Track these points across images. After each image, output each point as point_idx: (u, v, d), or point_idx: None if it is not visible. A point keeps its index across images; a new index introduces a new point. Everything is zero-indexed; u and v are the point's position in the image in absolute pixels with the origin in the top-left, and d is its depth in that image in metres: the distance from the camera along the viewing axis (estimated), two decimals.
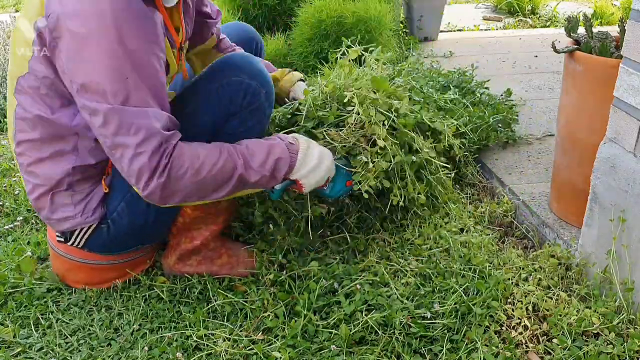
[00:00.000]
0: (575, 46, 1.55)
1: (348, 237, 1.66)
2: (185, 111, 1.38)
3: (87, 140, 1.33)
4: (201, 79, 1.42)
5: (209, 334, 1.34)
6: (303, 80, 1.85)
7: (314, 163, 1.40)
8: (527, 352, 1.27)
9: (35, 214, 1.95)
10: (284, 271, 1.53)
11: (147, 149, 1.19)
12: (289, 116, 1.64)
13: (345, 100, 1.56)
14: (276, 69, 1.85)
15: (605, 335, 1.27)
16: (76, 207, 1.38)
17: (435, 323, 1.31)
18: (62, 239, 1.44)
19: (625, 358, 1.22)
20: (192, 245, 1.53)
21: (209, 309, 1.43)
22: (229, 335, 1.32)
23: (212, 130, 1.39)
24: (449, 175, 1.82)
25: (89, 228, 1.41)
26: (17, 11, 5.98)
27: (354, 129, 1.55)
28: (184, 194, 1.27)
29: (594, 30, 1.56)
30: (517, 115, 2.48)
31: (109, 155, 1.25)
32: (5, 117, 2.99)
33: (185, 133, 1.35)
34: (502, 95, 2.74)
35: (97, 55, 1.15)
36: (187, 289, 1.52)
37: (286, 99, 1.82)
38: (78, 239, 1.43)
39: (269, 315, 1.38)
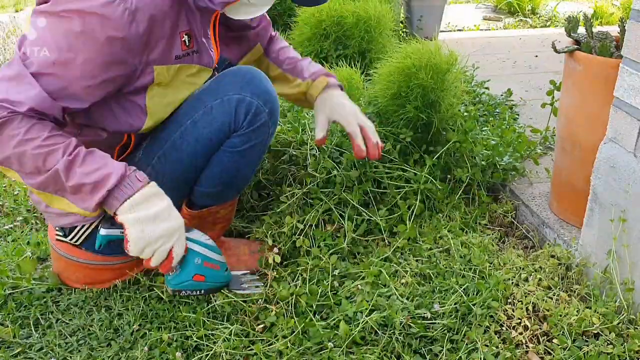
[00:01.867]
0: (575, 46, 1.55)
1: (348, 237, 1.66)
2: (187, 123, 1.38)
3: (93, 131, 1.32)
4: (205, 90, 1.39)
5: (209, 334, 1.34)
6: (340, 88, 1.65)
7: (149, 213, 1.19)
8: (527, 352, 1.27)
9: (35, 214, 1.95)
10: (286, 267, 1.53)
11: (6, 105, 1.15)
12: None
13: None
14: (299, 58, 1.68)
15: (606, 336, 1.27)
16: None
17: (435, 323, 1.31)
18: (62, 234, 1.44)
19: (626, 358, 1.22)
20: None
21: (209, 309, 1.43)
22: (229, 335, 1.32)
23: (213, 145, 1.39)
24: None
25: (89, 226, 1.41)
26: (17, 11, 5.97)
27: None
28: (2, 155, 1.19)
29: (594, 30, 1.56)
30: (517, 115, 2.48)
31: None
32: None
33: (188, 145, 1.37)
34: (502, 95, 2.75)
35: (48, 34, 1.17)
36: None
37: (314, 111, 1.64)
38: (77, 236, 1.42)
39: (269, 313, 1.38)
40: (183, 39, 1.31)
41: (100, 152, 1.23)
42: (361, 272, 1.49)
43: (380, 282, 1.46)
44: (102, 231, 1.24)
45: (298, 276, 1.50)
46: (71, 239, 1.43)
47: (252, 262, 1.57)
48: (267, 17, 1.67)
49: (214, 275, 1.35)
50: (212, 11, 1.34)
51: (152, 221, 1.20)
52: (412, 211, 1.68)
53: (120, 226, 1.19)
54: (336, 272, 1.49)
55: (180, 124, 1.39)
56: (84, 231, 1.42)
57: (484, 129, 2.09)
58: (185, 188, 1.46)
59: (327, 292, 1.44)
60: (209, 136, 1.38)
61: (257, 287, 1.47)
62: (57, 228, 1.45)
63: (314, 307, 1.39)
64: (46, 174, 1.18)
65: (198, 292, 1.35)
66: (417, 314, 1.33)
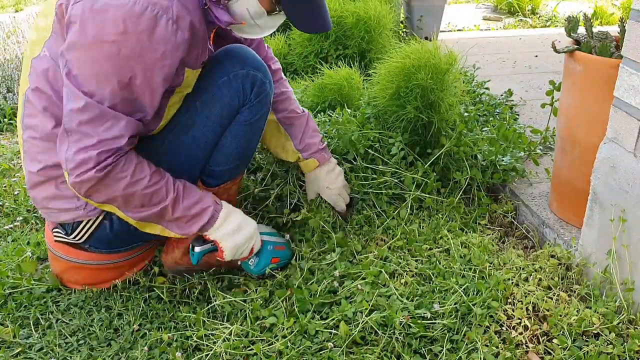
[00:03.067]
0: (575, 46, 1.55)
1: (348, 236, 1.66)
2: (195, 104, 1.41)
3: None
4: (206, 72, 1.42)
5: (209, 334, 1.34)
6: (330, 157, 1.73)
7: (232, 226, 1.42)
8: (527, 352, 1.27)
9: (35, 214, 1.95)
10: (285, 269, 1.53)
11: (106, 146, 1.22)
12: None
13: None
14: (297, 108, 1.71)
15: (606, 336, 1.27)
16: (79, 200, 1.38)
17: (435, 323, 1.31)
18: (62, 233, 1.44)
19: (626, 358, 1.22)
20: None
21: (208, 309, 1.43)
22: (229, 335, 1.32)
23: (224, 121, 1.44)
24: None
25: (93, 223, 1.41)
26: (17, 11, 5.97)
27: None
28: (108, 197, 1.28)
29: (594, 30, 1.56)
30: (517, 115, 2.48)
31: (62, 134, 1.24)
32: (5, 118, 2.99)
33: (199, 125, 1.41)
34: (502, 95, 2.75)
35: (104, 59, 1.19)
36: (187, 289, 1.53)
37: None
38: (81, 234, 1.42)
39: (268, 314, 1.38)
40: (210, 47, 1.40)
41: (189, 184, 1.39)
42: (361, 272, 1.49)
43: (380, 282, 1.46)
44: (197, 249, 1.44)
45: (298, 276, 1.50)
46: (74, 237, 1.43)
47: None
48: (268, 48, 1.72)
49: (284, 254, 1.59)
50: (215, 25, 1.38)
51: (237, 232, 1.43)
52: (407, 212, 1.69)
53: (209, 242, 1.43)
54: (336, 272, 1.49)
55: (187, 106, 1.41)
56: (88, 228, 1.42)
57: (484, 129, 2.08)
58: (198, 166, 1.48)
59: (327, 291, 1.44)
60: (220, 113, 1.43)
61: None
62: (56, 229, 1.45)
63: (313, 305, 1.39)
64: (152, 209, 1.32)
65: (277, 269, 1.56)
66: (417, 314, 1.33)
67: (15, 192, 2.08)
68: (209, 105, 1.42)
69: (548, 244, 1.64)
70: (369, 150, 1.78)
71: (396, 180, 1.74)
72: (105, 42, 1.18)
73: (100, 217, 1.41)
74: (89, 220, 1.41)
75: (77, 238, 1.44)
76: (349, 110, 1.93)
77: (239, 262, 1.56)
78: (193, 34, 1.26)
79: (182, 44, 1.24)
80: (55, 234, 1.47)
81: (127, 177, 1.26)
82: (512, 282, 1.43)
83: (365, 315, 1.32)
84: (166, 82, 1.28)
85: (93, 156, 1.21)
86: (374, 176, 1.75)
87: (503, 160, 1.90)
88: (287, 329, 1.32)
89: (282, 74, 1.73)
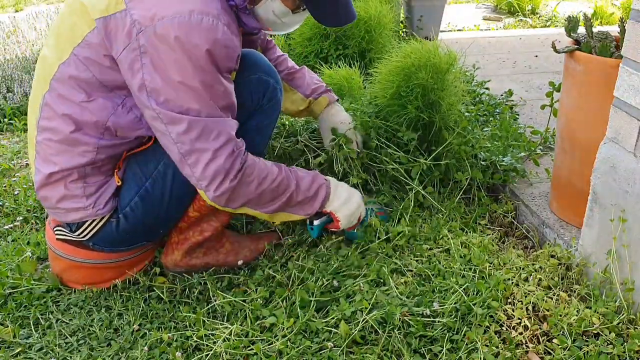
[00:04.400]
0: (575, 46, 1.55)
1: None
2: None
3: (110, 134, 1.36)
4: None
5: (209, 334, 1.34)
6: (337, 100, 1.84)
7: (344, 196, 1.52)
8: (527, 352, 1.27)
9: (35, 214, 1.95)
10: (285, 263, 1.53)
11: (224, 152, 1.30)
12: None
13: None
14: (294, 66, 1.81)
15: (606, 336, 1.27)
16: (88, 199, 1.39)
17: (435, 323, 1.31)
18: (66, 230, 1.44)
19: (626, 358, 1.22)
20: (202, 238, 1.55)
21: (208, 309, 1.43)
22: (229, 335, 1.32)
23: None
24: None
25: (99, 221, 1.42)
26: (17, 11, 5.97)
27: None
28: (245, 200, 1.37)
29: (594, 30, 1.56)
30: (517, 115, 2.48)
31: (180, 161, 1.31)
32: (5, 118, 2.99)
33: None
34: (502, 95, 2.75)
35: (183, 76, 1.24)
36: (187, 289, 1.52)
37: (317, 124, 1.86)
38: (87, 231, 1.43)
39: (268, 314, 1.38)
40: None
41: (294, 168, 1.49)
42: (361, 271, 1.49)
43: (381, 280, 1.46)
44: (316, 222, 1.54)
45: (298, 274, 1.51)
46: (78, 235, 1.43)
47: (257, 247, 1.62)
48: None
49: (384, 218, 1.69)
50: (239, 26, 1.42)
51: (349, 201, 1.53)
52: (409, 211, 1.69)
53: (324, 215, 1.54)
54: (335, 266, 1.50)
55: None
56: (94, 226, 1.42)
57: (484, 129, 2.08)
58: None
59: (327, 290, 1.44)
60: (237, 114, 1.44)
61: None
62: (58, 226, 1.46)
63: (312, 304, 1.39)
64: (281, 200, 1.42)
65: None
66: (416, 312, 1.33)
67: (15, 192, 2.08)
68: None
69: (548, 244, 1.64)
70: (378, 141, 1.79)
71: (402, 170, 1.74)
72: (179, 62, 1.23)
73: (107, 216, 1.42)
74: (92, 220, 1.42)
75: (81, 235, 1.44)
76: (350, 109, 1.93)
77: (240, 262, 1.57)
78: (240, 37, 1.32)
79: (238, 46, 1.31)
80: (57, 231, 1.47)
81: (256, 179, 1.36)
82: (512, 282, 1.43)
83: (365, 314, 1.32)
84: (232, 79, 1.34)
85: (220, 166, 1.30)
86: (380, 166, 1.77)
87: (503, 160, 1.90)
88: (287, 328, 1.32)
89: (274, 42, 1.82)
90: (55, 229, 1.48)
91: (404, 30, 3.86)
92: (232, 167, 1.31)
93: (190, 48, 1.22)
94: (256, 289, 1.48)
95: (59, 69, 1.33)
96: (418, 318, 1.31)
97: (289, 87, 1.77)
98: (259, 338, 1.31)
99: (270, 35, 1.80)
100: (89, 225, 1.42)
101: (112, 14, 1.25)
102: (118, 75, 1.30)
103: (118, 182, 1.41)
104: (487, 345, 1.26)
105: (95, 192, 1.40)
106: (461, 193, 1.79)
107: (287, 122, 1.93)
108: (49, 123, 1.35)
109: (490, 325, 1.31)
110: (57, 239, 1.48)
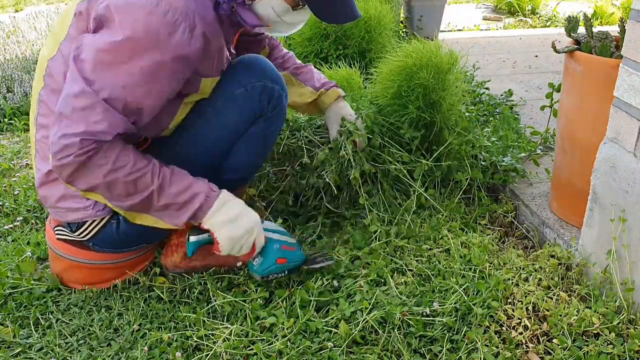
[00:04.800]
0: (575, 46, 1.55)
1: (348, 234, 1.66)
2: (211, 111, 1.42)
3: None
4: (224, 80, 1.43)
5: (209, 334, 1.34)
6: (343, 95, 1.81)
7: (230, 215, 1.33)
8: (527, 352, 1.27)
9: (35, 214, 1.95)
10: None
11: (89, 137, 1.19)
12: None
13: None
14: (300, 63, 1.80)
15: (606, 336, 1.27)
16: (88, 200, 1.39)
17: (435, 322, 1.31)
18: (68, 230, 1.44)
19: (626, 358, 1.22)
20: None
21: (208, 309, 1.43)
22: (229, 335, 1.32)
23: (239, 131, 1.46)
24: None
25: (99, 222, 1.42)
26: (17, 11, 5.97)
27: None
28: (90, 185, 1.25)
29: (594, 30, 1.56)
30: (518, 115, 2.48)
31: (56, 116, 1.22)
32: (5, 118, 2.99)
33: (213, 133, 1.42)
34: (502, 95, 2.75)
35: (114, 50, 1.19)
36: (187, 289, 1.52)
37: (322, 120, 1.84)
38: (86, 232, 1.43)
39: (268, 314, 1.38)
40: (228, 55, 1.41)
41: (178, 169, 1.33)
42: (360, 271, 1.49)
43: (381, 280, 1.46)
44: (192, 238, 1.35)
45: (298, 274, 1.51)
46: (79, 235, 1.43)
47: (250, 257, 1.59)
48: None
49: (292, 255, 1.45)
50: (241, 27, 1.40)
51: (234, 222, 1.34)
52: (413, 207, 1.69)
53: (206, 231, 1.34)
54: (337, 269, 1.50)
55: (201, 113, 1.42)
56: (94, 227, 1.42)
57: (484, 129, 2.09)
58: (209, 173, 1.47)
59: (327, 290, 1.44)
60: (236, 122, 1.45)
61: (328, 259, 1.52)
62: (59, 226, 1.46)
63: (312, 303, 1.39)
64: (137, 197, 1.28)
65: (282, 273, 1.45)
66: (416, 312, 1.33)
67: (15, 192, 2.08)
68: (225, 113, 1.43)
69: (548, 244, 1.64)
70: (382, 139, 1.79)
71: (405, 171, 1.74)
72: (120, 36, 1.18)
73: (108, 217, 1.42)
74: (95, 219, 1.42)
75: (81, 235, 1.44)
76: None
77: (239, 263, 1.56)
78: (206, 45, 1.26)
79: (194, 53, 1.24)
80: (57, 231, 1.47)
81: (109, 164, 1.23)
82: (512, 282, 1.43)
83: (365, 314, 1.32)
84: (172, 90, 1.28)
85: (76, 142, 1.19)
86: (382, 166, 1.77)
87: (503, 160, 1.90)
88: (287, 328, 1.32)
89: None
90: (55, 228, 1.48)
91: (404, 30, 3.86)
92: (86, 146, 1.19)
93: (138, 33, 1.18)
94: (256, 289, 1.48)
95: (48, 65, 1.33)
96: (418, 318, 1.31)
97: (297, 81, 1.75)
98: (259, 338, 1.31)
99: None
100: (89, 225, 1.42)
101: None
102: None
103: None
104: (487, 345, 1.26)
105: None
106: (461, 193, 1.79)
107: (290, 118, 1.93)
108: (45, 120, 1.36)
109: (490, 325, 1.31)
110: (58, 239, 1.48)
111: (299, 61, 1.80)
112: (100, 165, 1.22)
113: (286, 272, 1.45)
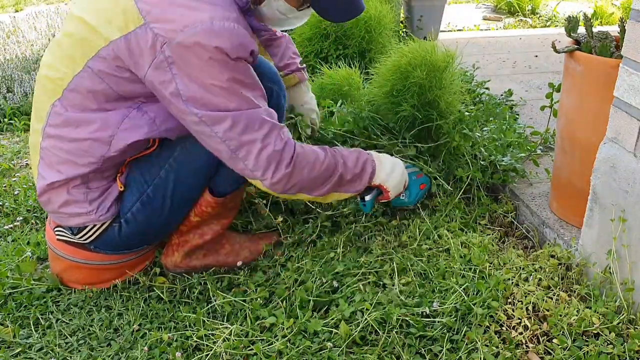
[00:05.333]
0: (575, 46, 1.55)
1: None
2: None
3: (116, 147, 1.35)
4: None
5: (209, 334, 1.34)
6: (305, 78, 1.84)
7: (389, 167, 1.52)
8: (527, 352, 1.27)
9: (35, 214, 1.95)
10: (285, 263, 1.53)
11: (272, 139, 1.32)
12: None
13: None
14: (276, 33, 1.80)
15: (606, 335, 1.27)
16: (91, 205, 1.39)
17: (435, 323, 1.31)
18: (69, 233, 1.44)
19: (626, 358, 1.22)
20: (202, 241, 1.55)
21: (208, 309, 1.43)
22: (229, 335, 1.32)
23: None
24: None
25: (101, 226, 1.42)
26: (17, 11, 5.97)
27: None
28: (300, 186, 1.39)
29: (594, 30, 1.56)
30: (517, 115, 2.48)
31: (230, 159, 1.33)
32: (5, 118, 2.99)
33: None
34: (502, 95, 2.75)
35: (216, 78, 1.25)
36: (187, 289, 1.52)
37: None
38: (88, 235, 1.43)
39: (268, 314, 1.38)
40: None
41: (340, 147, 1.52)
42: (360, 271, 1.49)
43: (381, 283, 1.46)
44: (367, 197, 1.54)
45: (298, 273, 1.51)
46: (80, 237, 1.43)
47: (256, 247, 1.62)
48: None
49: (426, 180, 1.69)
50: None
51: (393, 171, 1.54)
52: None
53: (373, 188, 1.55)
54: (337, 269, 1.49)
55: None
56: (95, 230, 1.42)
57: (484, 129, 2.08)
58: (208, 175, 1.48)
59: (327, 290, 1.44)
60: None
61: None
62: (59, 227, 1.46)
63: (312, 304, 1.39)
64: (332, 180, 1.43)
65: (425, 195, 1.71)
66: (416, 312, 1.33)
67: (15, 192, 2.08)
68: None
69: (548, 244, 1.64)
70: (377, 137, 1.79)
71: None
72: (208, 66, 1.24)
73: (110, 221, 1.42)
74: (94, 225, 1.42)
75: (82, 238, 1.44)
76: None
77: (239, 263, 1.56)
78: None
79: (253, 42, 1.32)
80: (57, 232, 1.47)
81: (307, 164, 1.37)
82: (512, 282, 1.43)
83: (366, 315, 1.32)
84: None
85: (272, 152, 1.32)
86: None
87: (503, 160, 1.90)
88: (287, 328, 1.32)
89: None
90: (55, 229, 1.48)
91: (404, 30, 3.86)
92: (284, 151, 1.33)
93: (213, 51, 1.23)
94: (256, 289, 1.48)
95: (73, 80, 1.31)
96: (418, 318, 1.31)
97: (266, 53, 1.77)
98: (259, 338, 1.31)
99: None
100: (90, 229, 1.42)
101: (131, 30, 1.25)
102: (136, 86, 1.31)
103: (121, 187, 1.41)
104: (487, 345, 1.26)
105: (98, 198, 1.40)
106: (461, 193, 1.79)
107: None
108: (55, 131, 1.35)
109: (490, 325, 1.31)
110: (58, 240, 1.48)
111: (277, 30, 1.78)
112: (302, 167, 1.37)
113: (426, 195, 1.71)
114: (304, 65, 1.84)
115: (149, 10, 1.24)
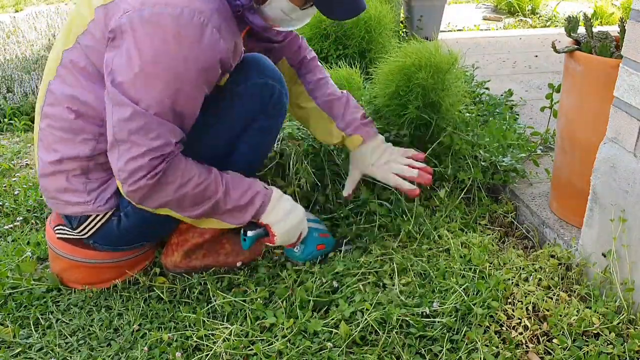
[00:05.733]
0: (575, 46, 1.55)
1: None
2: (212, 109, 1.42)
3: None
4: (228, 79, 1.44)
5: (209, 334, 1.34)
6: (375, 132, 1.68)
7: (284, 211, 1.44)
8: (527, 352, 1.27)
9: (35, 214, 1.95)
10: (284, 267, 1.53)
11: (153, 154, 1.25)
12: None
13: None
14: (335, 91, 1.68)
15: (606, 336, 1.27)
16: (89, 195, 1.39)
17: (435, 323, 1.31)
18: (67, 227, 1.44)
19: (626, 358, 1.22)
20: (202, 239, 1.55)
21: (208, 309, 1.43)
22: (229, 335, 1.32)
23: (239, 127, 1.46)
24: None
25: (101, 219, 1.42)
26: (17, 11, 5.97)
27: None
28: (162, 202, 1.32)
29: (594, 30, 1.56)
30: (518, 116, 2.48)
31: (111, 143, 1.27)
32: (5, 118, 2.99)
33: (213, 130, 1.43)
34: (502, 95, 2.75)
35: (151, 66, 1.21)
36: (187, 289, 1.52)
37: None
38: (87, 229, 1.43)
39: (269, 314, 1.38)
40: (242, 50, 1.43)
41: (235, 173, 1.42)
42: (360, 271, 1.49)
43: (381, 283, 1.46)
44: (249, 233, 1.44)
45: (298, 273, 1.51)
46: (79, 232, 1.44)
47: (257, 247, 1.61)
48: (301, 39, 1.72)
49: (328, 241, 1.60)
50: (246, 26, 1.41)
51: (288, 217, 1.45)
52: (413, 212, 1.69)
53: (260, 226, 1.45)
54: (337, 269, 1.49)
55: (203, 109, 1.41)
56: (95, 223, 1.42)
57: (484, 129, 2.09)
58: None
59: (327, 290, 1.44)
60: (236, 119, 1.45)
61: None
62: (59, 225, 1.46)
63: (311, 302, 1.39)
64: (206, 205, 1.35)
65: (321, 257, 1.59)
66: (416, 312, 1.33)
67: (15, 192, 2.08)
68: (226, 111, 1.44)
69: (548, 244, 1.64)
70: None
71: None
72: (151, 50, 1.20)
73: (109, 213, 1.42)
74: (97, 215, 1.42)
75: (82, 233, 1.44)
76: None
77: (239, 263, 1.56)
78: (232, 41, 1.30)
79: (225, 52, 1.28)
80: (57, 230, 1.47)
81: (177, 180, 1.29)
82: (512, 282, 1.43)
83: (366, 315, 1.32)
84: (209, 90, 1.32)
85: (145, 164, 1.25)
86: None
87: (503, 160, 1.90)
88: (287, 329, 1.32)
89: (318, 61, 1.74)
90: (55, 228, 1.48)
91: (404, 30, 3.86)
92: (156, 167, 1.26)
93: (171, 42, 1.20)
94: (256, 289, 1.48)
95: (63, 55, 1.34)
96: (418, 318, 1.31)
97: (327, 116, 1.66)
98: (259, 338, 1.31)
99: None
100: (90, 222, 1.42)
101: (109, 2, 1.26)
102: None
103: None
104: (487, 345, 1.26)
105: (97, 189, 1.40)
106: (463, 193, 1.79)
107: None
108: (51, 109, 1.36)
109: (490, 325, 1.31)
110: (58, 238, 1.48)
111: (334, 88, 1.68)
112: (170, 182, 1.29)
113: (322, 256, 1.58)
114: (369, 118, 1.67)
115: None
